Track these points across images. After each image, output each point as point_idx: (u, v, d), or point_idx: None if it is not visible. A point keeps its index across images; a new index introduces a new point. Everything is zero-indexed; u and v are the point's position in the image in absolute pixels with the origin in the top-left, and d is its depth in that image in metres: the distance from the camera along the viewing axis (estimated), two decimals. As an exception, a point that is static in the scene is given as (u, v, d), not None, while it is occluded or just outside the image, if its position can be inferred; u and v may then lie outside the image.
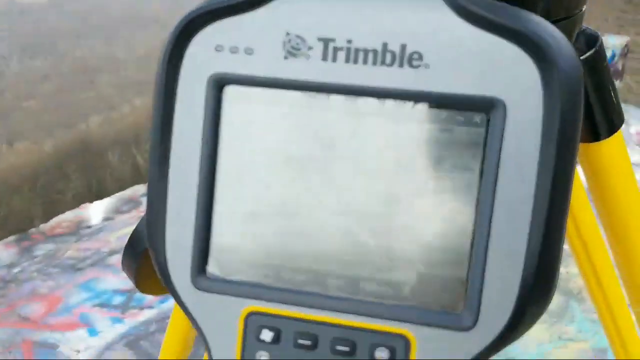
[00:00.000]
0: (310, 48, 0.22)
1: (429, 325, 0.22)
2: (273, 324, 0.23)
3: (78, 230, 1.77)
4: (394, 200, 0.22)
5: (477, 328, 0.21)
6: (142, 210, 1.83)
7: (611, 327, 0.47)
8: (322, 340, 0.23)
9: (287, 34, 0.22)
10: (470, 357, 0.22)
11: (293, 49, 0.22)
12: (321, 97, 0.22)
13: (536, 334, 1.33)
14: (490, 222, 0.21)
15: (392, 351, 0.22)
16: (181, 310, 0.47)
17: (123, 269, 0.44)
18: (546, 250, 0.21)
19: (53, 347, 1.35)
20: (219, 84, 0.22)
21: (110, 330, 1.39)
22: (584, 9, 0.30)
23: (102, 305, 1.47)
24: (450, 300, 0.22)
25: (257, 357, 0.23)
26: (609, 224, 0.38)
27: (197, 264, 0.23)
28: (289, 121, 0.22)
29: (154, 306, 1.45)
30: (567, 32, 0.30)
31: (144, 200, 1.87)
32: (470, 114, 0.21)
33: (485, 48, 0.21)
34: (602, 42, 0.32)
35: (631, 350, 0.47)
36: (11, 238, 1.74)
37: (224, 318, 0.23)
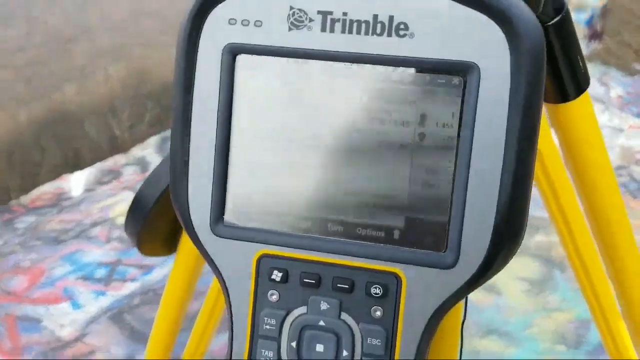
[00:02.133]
0: (311, 20, 0.25)
1: (416, 264, 0.25)
2: (282, 265, 0.27)
3: (59, 201, 1.77)
4: (384, 154, 0.25)
5: (458, 266, 0.25)
6: (123, 180, 1.82)
7: (602, 324, 0.49)
8: (325, 278, 0.26)
9: (291, 7, 0.25)
10: (452, 292, 0.25)
11: (296, 21, 0.25)
12: (321, 64, 0.25)
13: (520, 305, 1.36)
14: (467, 173, 0.24)
15: (385, 288, 0.26)
16: (172, 296, 0.49)
17: (126, 232, 0.46)
18: (515, 198, 0.24)
19: (37, 321, 1.36)
20: (232, 53, 0.26)
21: (93, 303, 1.40)
22: None
23: (85, 278, 1.47)
24: (435, 242, 0.25)
25: (269, 295, 0.27)
26: (577, 178, 0.39)
27: (216, 214, 0.27)
28: (293, 85, 0.26)
29: (137, 279, 1.46)
30: (533, 0, 0.31)
31: (125, 170, 1.86)
32: (449, 76, 0.24)
33: (461, 19, 0.24)
34: (568, 9, 0.34)
35: (613, 325, 0.49)
36: (-9, 211, 1.73)
37: (240, 261, 0.27)
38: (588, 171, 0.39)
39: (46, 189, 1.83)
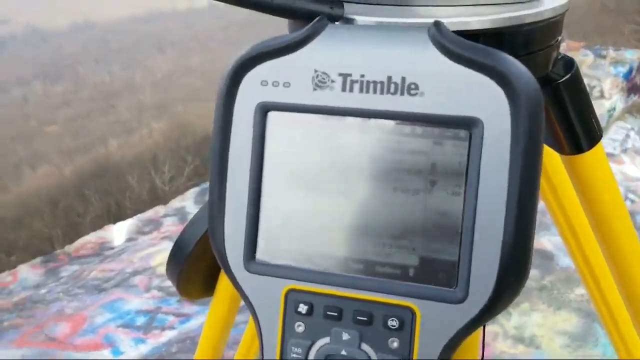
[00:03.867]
0: (332, 81, 0.28)
1: (429, 299, 0.27)
2: (307, 299, 0.29)
3: (102, 251, 1.82)
4: (399, 199, 0.28)
5: (468, 301, 0.27)
6: (163, 230, 1.87)
7: (611, 327, 0.50)
8: (346, 311, 0.29)
9: (315, 71, 0.28)
10: (461, 326, 0.27)
11: (320, 83, 0.28)
12: (342, 119, 0.28)
13: (560, 358, 1.33)
14: (474, 216, 0.27)
15: (401, 320, 0.28)
16: (216, 313, 0.51)
17: (167, 275, 0.48)
18: (518, 238, 0.26)
19: (79, 366, 1.39)
20: (263, 111, 0.29)
21: (133, 350, 1.42)
22: (558, 40, 0.34)
23: (125, 325, 1.50)
24: (446, 279, 0.27)
25: (295, 326, 0.29)
26: (597, 227, 0.41)
27: (249, 252, 0.30)
28: (318, 138, 0.29)
29: (176, 327, 1.48)
30: (543, 61, 0.34)
31: (165, 221, 1.91)
32: (456, 130, 0.27)
33: (465, 79, 0.27)
34: (577, 67, 0.36)
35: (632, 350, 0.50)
36: (37, 259, 1.79)
37: (269, 295, 0.30)
38: (604, 218, 0.41)
39: (89, 239, 1.88)
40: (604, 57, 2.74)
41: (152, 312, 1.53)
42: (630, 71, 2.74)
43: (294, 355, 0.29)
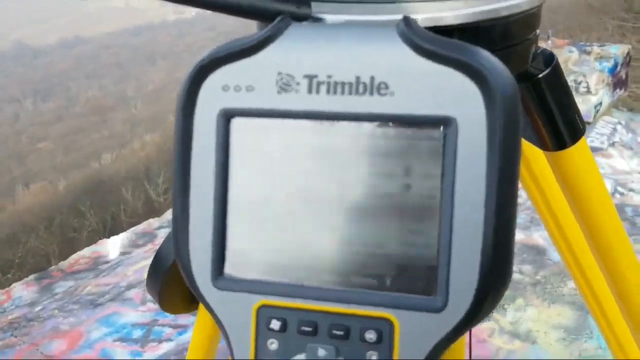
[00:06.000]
0: (298, 84, 0.27)
1: (408, 309, 0.26)
2: (280, 314, 0.27)
3: (96, 266, 1.81)
4: (373, 206, 0.26)
5: (447, 309, 0.25)
6: (157, 242, 1.86)
7: (604, 325, 0.49)
8: (321, 326, 0.27)
9: (279, 73, 0.27)
10: (442, 335, 0.26)
11: (284, 85, 0.27)
12: (308, 123, 0.27)
13: (555, 352, 1.33)
14: (451, 219, 0.25)
15: (379, 333, 0.26)
16: (204, 322, 0.50)
17: (147, 290, 0.46)
18: (498, 242, 0.25)
19: (76, 382, 1.38)
20: (226, 117, 0.27)
21: (131, 364, 1.42)
22: (536, 33, 0.33)
23: (122, 339, 1.49)
24: (424, 288, 0.26)
25: (268, 344, 0.28)
26: (584, 224, 0.41)
27: (216, 268, 0.28)
28: (284, 144, 0.27)
29: (173, 339, 1.47)
30: (522, 55, 0.33)
31: (159, 233, 1.90)
32: (430, 130, 0.25)
33: (438, 76, 0.25)
34: (557, 61, 0.35)
35: (628, 350, 0.49)
36: (31, 277, 1.77)
37: (240, 312, 0.28)
38: (591, 214, 0.40)
39: (84, 254, 1.88)
40: (589, 53, 2.75)
41: (148, 325, 1.52)
42: (615, 66, 2.75)
43: None
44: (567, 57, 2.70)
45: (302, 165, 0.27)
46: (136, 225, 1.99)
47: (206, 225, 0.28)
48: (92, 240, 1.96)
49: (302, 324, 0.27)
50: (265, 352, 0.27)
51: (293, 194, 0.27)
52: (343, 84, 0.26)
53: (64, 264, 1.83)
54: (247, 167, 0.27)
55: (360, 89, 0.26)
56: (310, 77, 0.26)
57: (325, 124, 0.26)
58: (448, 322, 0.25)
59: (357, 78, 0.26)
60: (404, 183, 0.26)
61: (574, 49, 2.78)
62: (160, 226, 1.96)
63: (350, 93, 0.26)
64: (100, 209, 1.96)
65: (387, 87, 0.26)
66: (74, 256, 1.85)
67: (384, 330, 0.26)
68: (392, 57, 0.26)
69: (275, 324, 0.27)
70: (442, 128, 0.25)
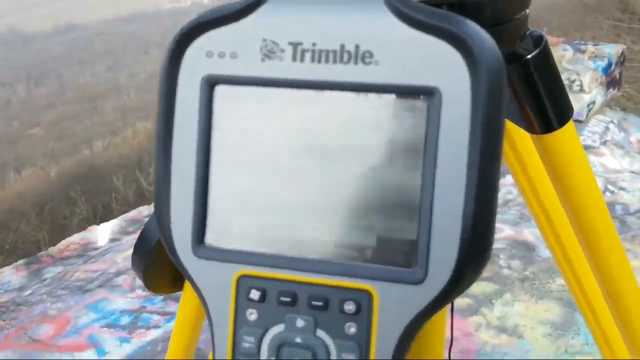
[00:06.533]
0: (282, 51, 0.26)
1: (387, 280, 0.26)
2: (260, 284, 0.27)
3: (85, 252, 1.80)
4: (354, 176, 0.26)
5: (427, 282, 0.25)
6: (147, 230, 1.86)
7: (592, 321, 0.50)
8: (301, 297, 0.27)
9: (264, 40, 0.27)
10: (421, 308, 0.26)
11: (269, 52, 0.26)
12: (292, 91, 0.27)
13: (541, 347, 1.34)
14: (432, 191, 0.25)
15: (358, 304, 0.26)
16: (186, 310, 0.50)
17: (132, 268, 0.46)
18: (478, 215, 0.25)
19: (63, 366, 1.38)
20: (210, 84, 0.27)
21: (118, 350, 1.41)
22: (526, 12, 0.34)
23: (109, 325, 1.49)
24: (404, 259, 0.26)
25: (247, 314, 0.27)
26: (568, 207, 0.41)
27: (197, 236, 0.28)
28: (267, 112, 0.27)
29: (161, 326, 1.47)
30: (511, 34, 0.33)
31: (149, 219, 1.88)
32: (413, 100, 0.25)
33: (423, 46, 0.25)
34: (546, 42, 0.36)
35: (616, 349, 0.50)
36: (21, 262, 1.77)
37: (220, 281, 0.28)
38: (577, 198, 0.40)
39: (74, 240, 1.87)
40: (583, 52, 2.76)
41: (136, 312, 1.52)
42: (609, 65, 2.76)
43: (246, 344, 0.27)
44: (562, 55, 2.71)
45: (285, 134, 0.27)
46: (127, 213, 1.98)
47: (188, 194, 0.28)
48: (82, 228, 1.95)
49: (282, 294, 0.27)
50: (244, 322, 0.27)
51: (275, 163, 0.27)
52: (327, 52, 0.26)
53: (53, 250, 1.82)
54: (230, 135, 0.27)
55: (345, 57, 0.26)
56: (295, 45, 0.26)
57: (309, 92, 0.26)
58: (427, 295, 0.25)
59: (342, 46, 0.26)
60: (386, 153, 0.26)
61: (568, 47, 2.79)
62: (149, 214, 1.96)
63: (334, 61, 0.26)
64: (91, 196, 1.96)
65: (371, 55, 0.25)
66: (64, 242, 1.85)
67: (363, 301, 0.26)
68: (378, 26, 0.25)
69: (255, 294, 0.27)
70: (426, 98, 0.25)
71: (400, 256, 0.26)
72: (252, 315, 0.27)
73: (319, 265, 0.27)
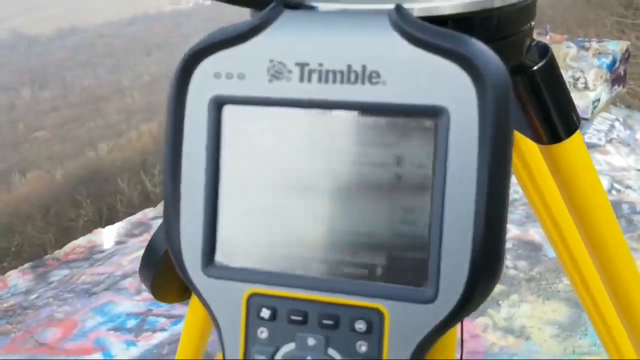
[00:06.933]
0: (289, 71, 0.26)
1: (398, 299, 0.26)
2: (270, 303, 0.27)
3: (91, 255, 1.81)
4: (364, 195, 0.26)
5: (438, 300, 0.25)
6: (152, 233, 1.86)
7: (599, 324, 0.50)
8: (311, 315, 0.27)
9: (271, 61, 0.27)
10: (432, 327, 0.26)
11: (276, 73, 0.27)
12: (300, 111, 0.27)
13: (549, 348, 1.33)
14: (442, 210, 0.25)
15: (369, 323, 0.26)
16: (195, 314, 0.50)
17: (140, 278, 0.46)
18: (489, 233, 0.25)
19: (70, 371, 1.38)
20: (218, 105, 0.28)
21: (124, 353, 1.41)
22: (531, 25, 0.34)
23: (116, 329, 1.50)
24: (415, 278, 0.26)
25: (258, 332, 0.28)
26: (578, 218, 0.41)
27: (207, 255, 0.28)
28: (275, 132, 0.27)
29: (167, 329, 1.48)
30: (516, 47, 0.33)
31: (154, 223, 1.90)
32: (421, 120, 0.25)
33: (429, 66, 0.25)
34: (552, 53, 0.36)
35: (623, 349, 0.50)
36: (27, 265, 1.77)
37: (230, 300, 0.28)
38: (586, 208, 0.40)
39: (79, 243, 1.88)
40: (587, 49, 2.75)
41: (142, 315, 1.53)
42: (613, 62, 2.75)
43: None
44: (565, 53, 2.70)
45: (293, 154, 0.27)
46: (132, 215, 1.99)
47: (197, 213, 0.28)
48: (88, 230, 1.95)
49: (292, 313, 0.27)
50: (255, 340, 0.27)
51: (284, 182, 0.27)
52: (335, 72, 0.26)
53: (59, 253, 1.83)
54: (238, 155, 0.27)
55: (352, 77, 0.26)
56: (302, 65, 0.26)
57: (317, 112, 0.26)
58: (438, 314, 0.25)
59: (349, 67, 0.26)
60: (395, 173, 0.26)
61: (572, 44, 2.78)
62: (155, 216, 1.96)
63: (341, 82, 0.26)
64: (96, 199, 1.96)
65: (378, 76, 0.26)
66: (70, 245, 1.85)
67: (374, 320, 0.26)
68: (384, 46, 0.25)
69: (266, 313, 0.27)
70: (433, 118, 0.25)
71: (410, 275, 0.26)
72: (262, 333, 0.27)
73: (329, 283, 0.27)
